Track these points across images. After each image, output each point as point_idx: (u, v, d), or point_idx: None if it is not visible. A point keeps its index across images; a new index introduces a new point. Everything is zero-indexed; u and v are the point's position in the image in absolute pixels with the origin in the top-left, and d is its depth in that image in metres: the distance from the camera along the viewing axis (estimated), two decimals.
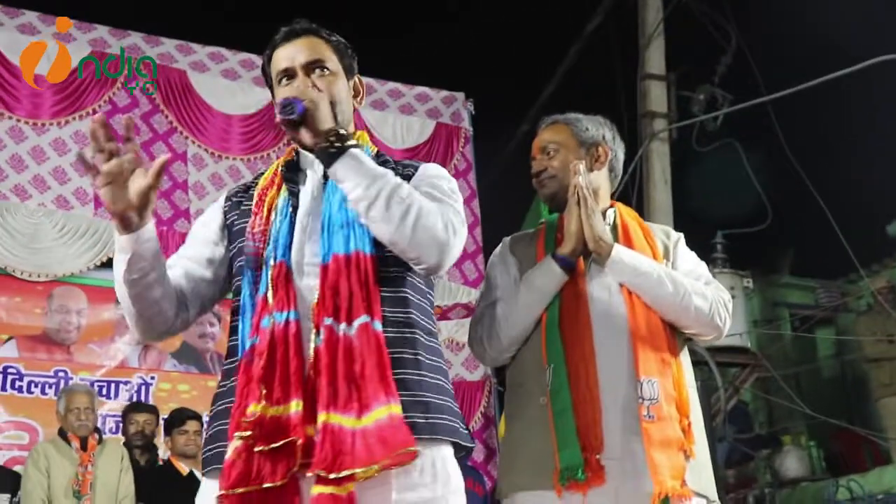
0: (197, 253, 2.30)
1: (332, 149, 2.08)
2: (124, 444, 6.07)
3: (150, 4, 10.40)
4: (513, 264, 2.81)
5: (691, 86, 9.62)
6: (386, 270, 2.11)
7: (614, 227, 2.81)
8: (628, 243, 2.75)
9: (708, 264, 2.95)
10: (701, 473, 2.56)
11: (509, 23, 11.99)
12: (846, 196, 9.69)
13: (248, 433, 1.93)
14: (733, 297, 8.84)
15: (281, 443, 1.92)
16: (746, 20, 9.55)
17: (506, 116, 11.58)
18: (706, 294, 2.69)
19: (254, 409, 1.94)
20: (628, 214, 2.89)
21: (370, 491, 1.95)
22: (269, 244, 2.14)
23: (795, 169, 8.78)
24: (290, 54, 2.27)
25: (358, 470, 1.89)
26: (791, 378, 10.71)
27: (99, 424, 7.06)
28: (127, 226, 2.04)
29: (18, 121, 7.40)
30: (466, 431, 2.17)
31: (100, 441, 5.81)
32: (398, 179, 2.09)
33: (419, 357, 2.11)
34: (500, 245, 2.92)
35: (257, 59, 8.29)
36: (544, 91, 10.76)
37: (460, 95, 9.16)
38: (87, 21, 7.74)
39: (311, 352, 2.01)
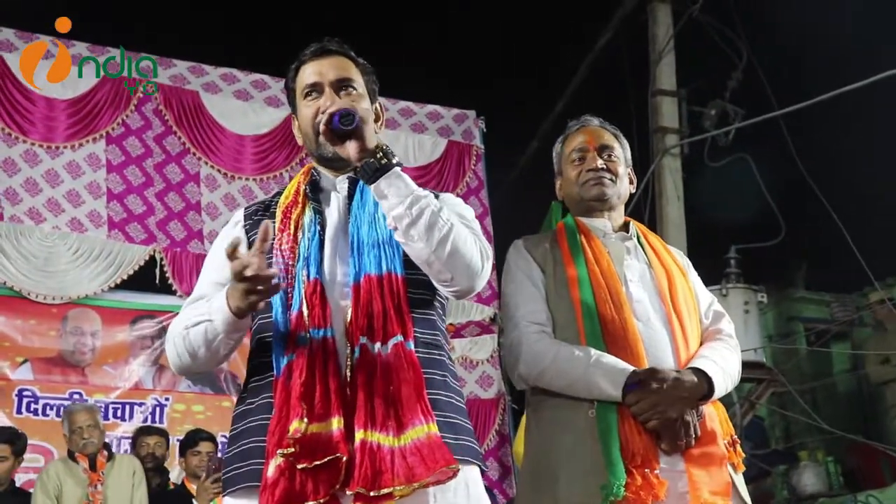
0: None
1: (378, 164, 2.09)
2: None
3: (163, 28, 10.46)
4: (535, 268, 2.77)
5: (702, 101, 9.62)
6: (415, 292, 2.14)
7: (640, 244, 2.84)
8: (655, 256, 2.80)
9: (721, 279, 2.99)
10: (744, 484, 2.61)
11: (520, 40, 12.01)
12: (860, 209, 9.66)
13: (292, 450, 1.92)
14: (747, 311, 8.94)
15: (325, 460, 1.92)
16: (757, 35, 9.54)
17: (517, 133, 11.59)
18: (736, 366, 2.73)
19: (297, 425, 1.94)
20: (648, 231, 2.94)
21: None
22: (298, 261, 2.15)
23: (808, 182, 8.75)
24: (319, 70, 2.30)
25: (397, 488, 1.90)
26: (807, 393, 10.66)
27: (114, 446, 7.07)
28: (246, 314, 2.07)
29: (33, 144, 7.44)
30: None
31: (110, 458, 5.78)
32: (438, 202, 2.12)
33: (447, 379, 2.15)
34: (514, 251, 2.85)
35: (269, 80, 8.33)
36: (555, 107, 10.77)
37: (471, 113, 9.17)
38: (101, 45, 7.79)
39: (348, 370, 2.02)
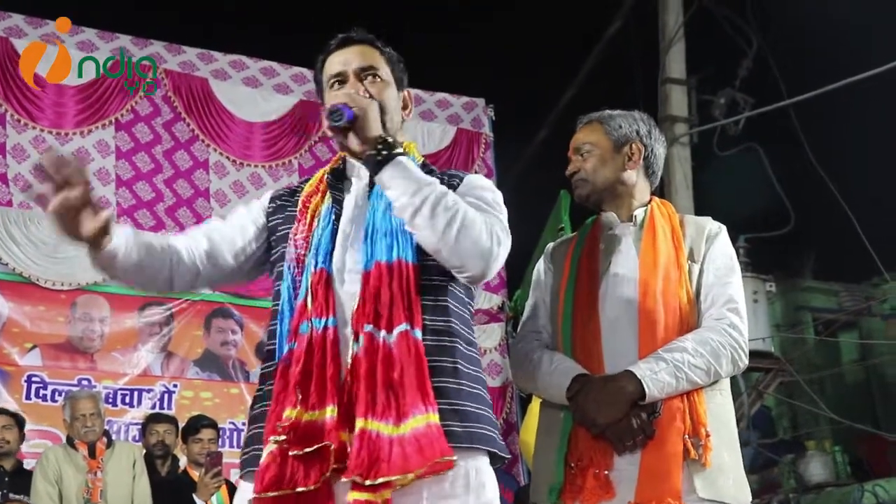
0: (229, 235, 2.34)
1: (379, 156, 2.07)
2: (146, 454, 6.06)
3: (174, 14, 10.46)
4: (550, 275, 2.81)
5: (712, 90, 9.59)
6: (428, 279, 2.12)
7: (640, 227, 2.78)
8: (649, 244, 2.70)
9: None
10: (717, 480, 2.48)
11: (529, 28, 11.98)
12: (870, 198, 9.63)
13: (283, 437, 1.94)
14: (755, 301, 8.92)
15: (314, 447, 1.94)
16: (767, 23, 9.51)
17: (526, 122, 11.57)
18: (724, 363, 2.57)
19: (289, 413, 1.97)
20: (662, 213, 2.84)
21: (403, 499, 1.96)
22: (310, 250, 2.15)
23: (818, 172, 8.73)
24: (343, 59, 2.29)
25: (393, 477, 1.89)
26: (815, 382, 10.65)
27: (122, 433, 7.09)
28: (97, 245, 2.23)
29: (42, 130, 7.45)
30: (503, 442, 2.17)
31: (109, 445, 5.77)
32: (444, 188, 2.09)
33: (458, 366, 2.12)
34: (543, 256, 2.90)
35: (278, 67, 8.33)
36: (564, 96, 10.75)
37: (480, 101, 9.17)
38: (110, 31, 7.80)
39: (349, 358, 2.02)
